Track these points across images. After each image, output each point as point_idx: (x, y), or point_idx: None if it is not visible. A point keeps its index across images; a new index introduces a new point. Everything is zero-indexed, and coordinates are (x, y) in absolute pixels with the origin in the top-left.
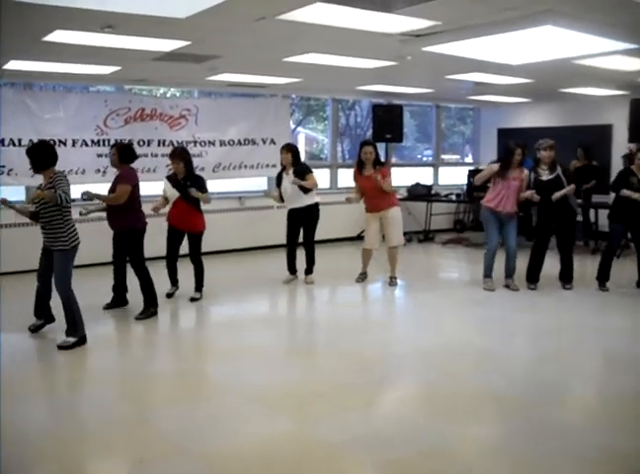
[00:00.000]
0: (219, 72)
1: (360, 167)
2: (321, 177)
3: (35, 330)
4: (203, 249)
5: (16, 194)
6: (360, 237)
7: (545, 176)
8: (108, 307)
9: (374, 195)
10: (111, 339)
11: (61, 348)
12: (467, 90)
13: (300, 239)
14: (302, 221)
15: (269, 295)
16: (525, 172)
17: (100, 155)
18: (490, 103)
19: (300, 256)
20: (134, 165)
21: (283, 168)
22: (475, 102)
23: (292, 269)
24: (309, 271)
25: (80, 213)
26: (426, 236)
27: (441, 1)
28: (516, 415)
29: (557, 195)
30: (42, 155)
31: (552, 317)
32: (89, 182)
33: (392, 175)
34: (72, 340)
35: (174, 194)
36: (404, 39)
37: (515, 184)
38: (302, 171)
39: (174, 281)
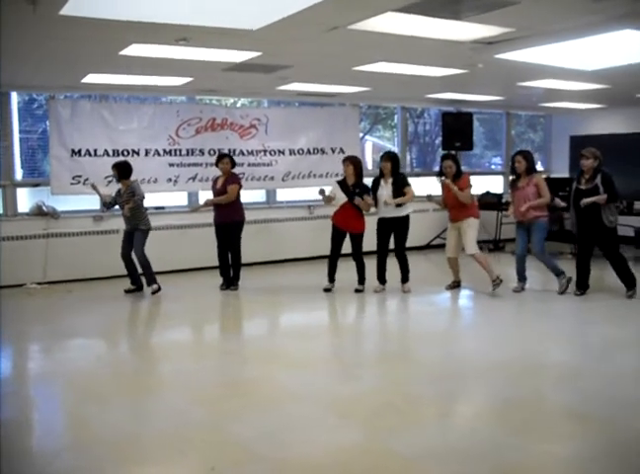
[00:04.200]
0: (289, 82)
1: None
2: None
3: (129, 291)
4: (260, 258)
5: (91, 202)
6: (429, 246)
7: (583, 185)
8: (223, 288)
9: (453, 205)
10: (188, 344)
11: (155, 292)
12: (539, 97)
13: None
14: (394, 230)
15: (342, 303)
16: (537, 176)
17: (172, 164)
18: (562, 109)
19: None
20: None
21: (381, 175)
22: (547, 109)
23: (383, 279)
24: (405, 279)
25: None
26: (496, 245)
27: (515, 8)
28: (597, 433)
29: (585, 201)
30: (126, 170)
31: (626, 329)
32: (161, 190)
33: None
34: (156, 286)
35: (342, 197)
36: (476, 47)
37: (527, 191)
38: (401, 183)
39: (332, 279)
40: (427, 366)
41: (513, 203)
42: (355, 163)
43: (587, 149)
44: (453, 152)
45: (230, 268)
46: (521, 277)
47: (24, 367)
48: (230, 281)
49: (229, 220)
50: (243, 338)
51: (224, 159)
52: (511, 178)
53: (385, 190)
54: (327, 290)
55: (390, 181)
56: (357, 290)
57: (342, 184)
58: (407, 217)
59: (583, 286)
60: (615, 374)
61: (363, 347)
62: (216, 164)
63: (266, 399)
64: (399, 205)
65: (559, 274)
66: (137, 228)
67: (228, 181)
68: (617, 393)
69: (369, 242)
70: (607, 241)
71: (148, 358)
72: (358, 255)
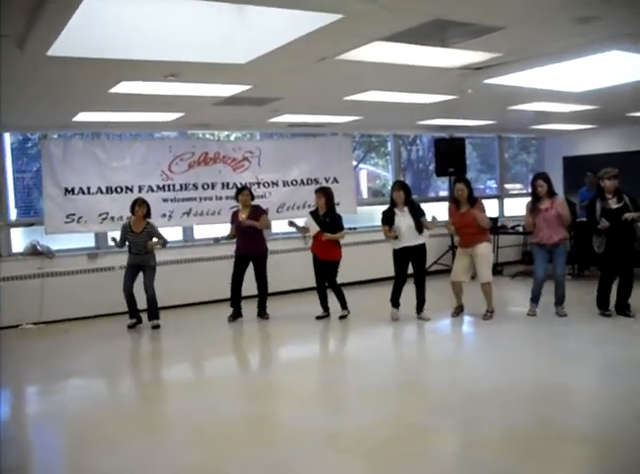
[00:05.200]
0: (280, 114)
1: (456, 203)
2: None
3: (132, 326)
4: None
5: (86, 240)
6: (428, 272)
7: (614, 204)
8: (231, 320)
9: (468, 231)
10: (187, 381)
11: (156, 327)
12: (530, 119)
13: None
14: (413, 258)
15: (343, 333)
16: (560, 198)
17: (165, 200)
18: (554, 131)
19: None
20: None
21: (393, 204)
22: (538, 131)
23: (397, 302)
24: (421, 308)
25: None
26: (494, 269)
27: (500, 33)
28: (609, 457)
29: (630, 215)
30: (149, 210)
31: (632, 349)
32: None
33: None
34: (159, 321)
35: (316, 227)
36: (464, 73)
37: (550, 213)
38: (417, 212)
39: (325, 307)
40: (431, 395)
41: (533, 226)
42: (327, 194)
43: (610, 170)
44: (467, 177)
45: (240, 296)
46: (536, 300)
47: (22, 411)
48: (240, 313)
49: (256, 252)
50: (243, 373)
51: (244, 191)
52: (530, 200)
53: (404, 220)
54: (319, 318)
55: (406, 209)
56: (341, 317)
57: (314, 214)
58: (425, 245)
59: (606, 305)
60: (626, 395)
61: (365, 377)
62: (236, 197)
63: (266, 437)
64: (420, 231)
65: (562, 302)
66: (148, 265)
67: (257, 212)
68: (624, 414)
69: (385, 269)
70: (633, 260)
71: (146, 398)
72: (333, 283)
